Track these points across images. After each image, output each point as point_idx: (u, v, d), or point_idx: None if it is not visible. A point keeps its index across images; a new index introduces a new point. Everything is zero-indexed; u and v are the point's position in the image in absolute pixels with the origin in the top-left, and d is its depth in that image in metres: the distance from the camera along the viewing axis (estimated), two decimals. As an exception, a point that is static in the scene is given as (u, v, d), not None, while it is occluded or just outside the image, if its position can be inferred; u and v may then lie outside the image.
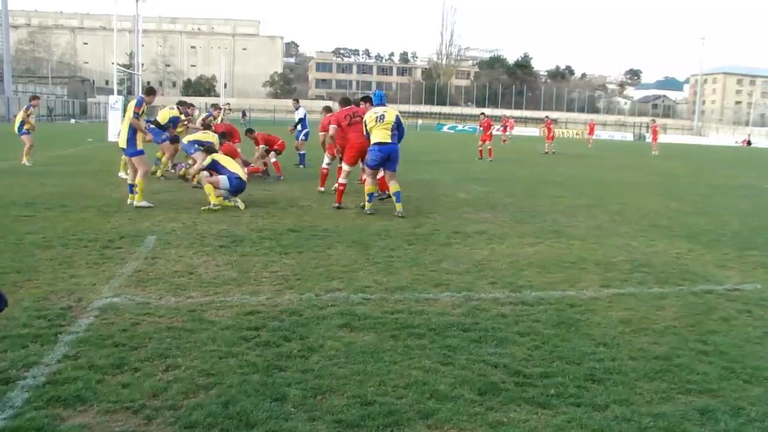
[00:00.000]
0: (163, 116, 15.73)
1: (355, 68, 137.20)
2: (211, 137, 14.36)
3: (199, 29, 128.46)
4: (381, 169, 11.63)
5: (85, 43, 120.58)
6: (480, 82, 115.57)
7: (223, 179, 11.37)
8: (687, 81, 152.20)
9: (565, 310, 5.92)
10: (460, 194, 14.73)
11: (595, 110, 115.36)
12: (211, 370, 4.24)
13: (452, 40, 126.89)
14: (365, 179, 11.64)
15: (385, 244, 8.63)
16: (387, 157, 11.14)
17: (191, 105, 18.51)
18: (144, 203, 11.17)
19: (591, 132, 49.42)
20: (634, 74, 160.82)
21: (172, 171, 15.98)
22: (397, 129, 11.22)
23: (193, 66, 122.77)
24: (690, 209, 13.80)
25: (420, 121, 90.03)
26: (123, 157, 14.07)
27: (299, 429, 3.51)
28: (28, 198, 11.52)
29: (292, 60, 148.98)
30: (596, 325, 5.54)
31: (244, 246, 8.23)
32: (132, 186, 11.36)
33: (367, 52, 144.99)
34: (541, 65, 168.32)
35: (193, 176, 13.13)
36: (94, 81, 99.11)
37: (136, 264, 7.11)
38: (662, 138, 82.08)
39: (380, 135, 11.06)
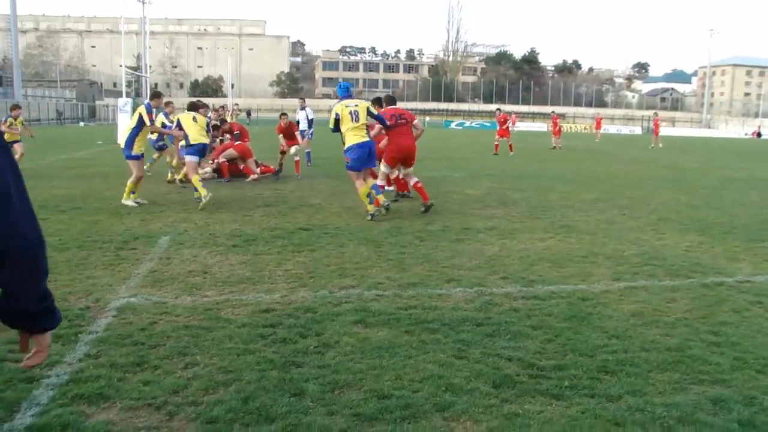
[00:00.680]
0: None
1: (361, 66, 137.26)
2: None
3: (205, 30, 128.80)
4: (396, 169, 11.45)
5: (93, 46, 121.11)
6: (487, 78, 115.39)
7: (191, 160, 11.95)
8: (695, 73, 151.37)
9: (577, 304, 5.97)
10: (470, 191, 14.77)
11: (603, 104, 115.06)
12: (229, 367, 4.31)
13: (458, 36, 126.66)
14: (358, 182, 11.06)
15: (396, 241, 8.69)
16: (368, 154, 10.66)
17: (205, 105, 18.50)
18: (129, 202, 11.49)
19: (598, 126, 49.25)
20: (641, 67, 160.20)
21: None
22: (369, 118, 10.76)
23: (200, 67, 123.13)
24: (699, 202, 13.80)
25: (428, 119, 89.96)
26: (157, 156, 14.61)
27: (318, 423, 3.58)
28: (41, 201, 11.63)
29: (298, 59, 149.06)
30: (608, 318, 5.58)
31: (256, 245, 8.32)
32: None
33: (373, 50, 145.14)
34: (547, 60, 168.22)
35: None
36: (102, 84, 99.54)
37: (150, 264, 7.20)
38: (672, 131, 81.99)
39: (358, 136, 10.55)
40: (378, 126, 11.49)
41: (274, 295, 6.06)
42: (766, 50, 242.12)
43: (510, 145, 28.89)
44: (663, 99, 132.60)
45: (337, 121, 10.70)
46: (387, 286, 6.43)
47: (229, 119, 21.07)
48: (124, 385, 4.02)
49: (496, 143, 29.43)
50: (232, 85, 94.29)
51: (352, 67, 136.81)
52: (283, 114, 17.93)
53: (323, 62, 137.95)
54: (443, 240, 8.90)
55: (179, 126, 12.28)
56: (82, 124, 68.83)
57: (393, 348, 4.71)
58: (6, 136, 17.32)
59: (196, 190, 11.73)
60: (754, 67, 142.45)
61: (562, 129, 37.62)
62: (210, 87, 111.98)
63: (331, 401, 3.86)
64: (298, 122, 19.64)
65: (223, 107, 21.73)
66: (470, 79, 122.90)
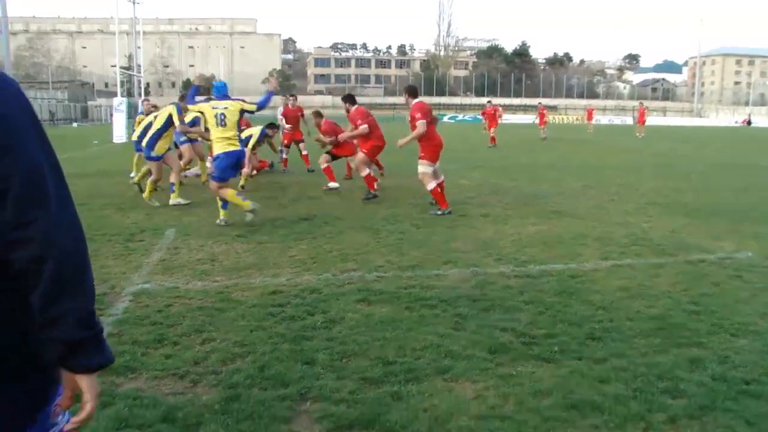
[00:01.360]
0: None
1: (353, 62, 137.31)
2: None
3: (196, 29, 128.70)
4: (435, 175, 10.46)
5: (84, 47, 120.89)
6: (479, 72, 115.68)
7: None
8: (686, 64, 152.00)
9: (567, 281, 6.33)
10: (463, 181, 15.10)
11: (595, 96, 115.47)
12: (244, 341, 4.65)
13: (450, 30, 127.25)
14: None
15: (393, 228, 9.03)
16: (234, 165, 9.59)
17: None
18: (155, 203, 11.18)
19: (589, 117, 49.64)
20: (632, 59, 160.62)
21: (186, 176, 15.19)
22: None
23: (192, 66, 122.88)
24: (687, 187, 14.17)
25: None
26: (134, 157, 14.40)
27: (329, 386, 3.92)
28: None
29: (290, 56, 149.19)
30: (596, 292, 5.94)
31: (260, 235, 8.64)
32: (172, 185, 11.47)
33: (364, 46, 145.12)
34: (539, 53, 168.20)
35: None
36: (94, 84, 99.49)
37: (159, 254, 7.52)
38: (663, 120, 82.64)
39: (225, 143, 9.36)
40: (364, 126, 11.65)
41: (281, 279, 6.40)
42: (756, 39, 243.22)
43: (492, 138, 29.23)
44: (654, 89, 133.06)
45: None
46: (387, 269, 6.78)
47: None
48: (147, 359, 4.35)
49: (491, 135, 29.57)
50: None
51: (343, 63, 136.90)
52: (318, 114, 15.07)
53: (315, 59, 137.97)
54: (439, 226, 9.25)
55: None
56: (75, 124, 68.86)
57: (395, 322, 5.06)
58: None
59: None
60: (744, 56, 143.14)
61: (547, 120, 37.82)
62: (202, 86, 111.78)
63: (340, 368, 4.20)
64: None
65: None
66: (462, 73, 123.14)
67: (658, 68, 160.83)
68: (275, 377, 4.05)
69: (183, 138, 15.07)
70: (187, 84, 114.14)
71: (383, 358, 4.34)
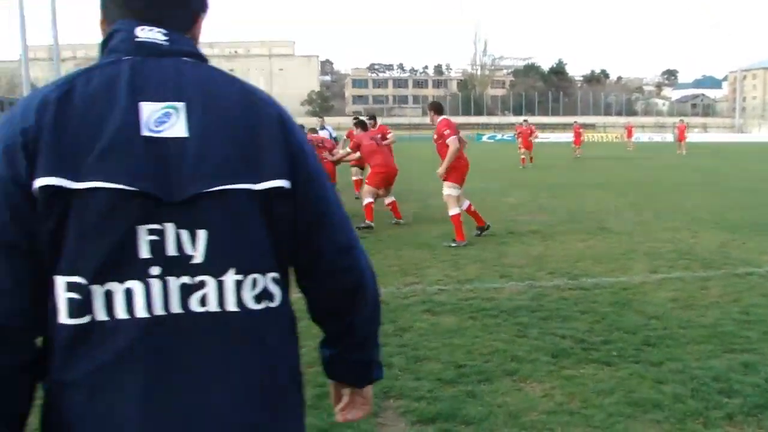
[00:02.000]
0: None
1: (390, 83, 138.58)
2: None
3: (235, 52, 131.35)
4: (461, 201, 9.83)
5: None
6: (516, 91, 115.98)
7: None
8: (725, 78, 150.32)
9: (619, 293, 6.66)
10: (508, 199, 15.45)
11: (633, 113, 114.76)
12: (324, 347, 5.07)
13: (486, 50, 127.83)
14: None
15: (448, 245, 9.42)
16: None
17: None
18: None
19: (629, 135, 49.53)
20: (670, 74, 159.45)
21: None
22: None
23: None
24: (731, 204, 14.31)
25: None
26: None
27: (408, 386, 4.32)
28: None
29: (328, 78, 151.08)
30: (647, 303, 6.26)
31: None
32: None
33: (401, 67, 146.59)
34: (575, 71, 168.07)
35: None
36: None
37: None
38: (704, 137, 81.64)
39: None
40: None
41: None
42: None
43: (531, 158, 29.00)
44: (694, 105, 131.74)
45: None
46: (446, 282, 7.18)
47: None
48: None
49: (522, 157, 28.93)
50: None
51: (381, 84, 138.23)
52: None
53: (353, 80, 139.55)
54: (490, 243, 9.61)
55: None
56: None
57: (461, 330, 5.45)
58: None
59: None
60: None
61: (583, 139, 37.78)
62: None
63: (416, 370, 4.60)
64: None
65: None
66: (499, 92, 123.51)
67: (697, 84, 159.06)
68: (358, 378, 4.46)
69: None
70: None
71: (454, 361, 4.73)
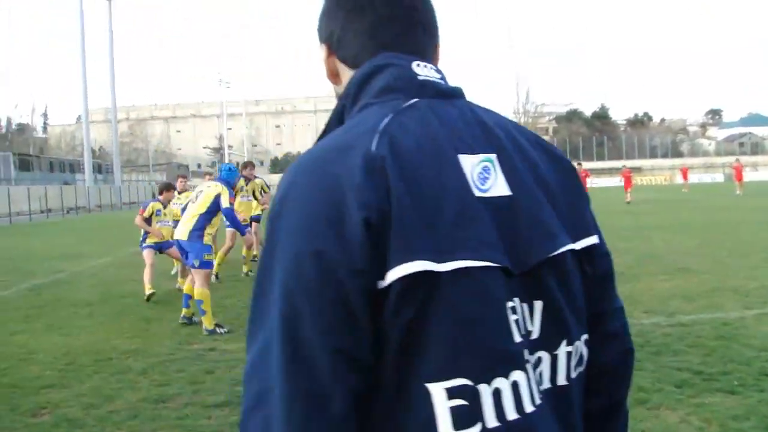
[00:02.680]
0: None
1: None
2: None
3: (282, 109, 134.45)
4: None
5: (178, 131, 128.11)
6: (560, 137, 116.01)
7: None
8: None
9: (720, 328, 6.89)
10: (577, 243, 15.64)
11: (679, 154, 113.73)
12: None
13: (528, 97, 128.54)
14: None
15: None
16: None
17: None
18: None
19: (685, 177, 49.62)
20: (714, 113, 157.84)
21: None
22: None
23: (279, 144, 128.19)
24: (805, 241, 14.35)
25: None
26: None
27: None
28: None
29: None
30: (752, 337, 6.48)
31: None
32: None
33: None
34: (618, 114, 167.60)
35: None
36: (188, 165, 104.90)
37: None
38: (755, 176, 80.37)
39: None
40: None
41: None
42: None
43: None
44: (741, 144, 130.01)
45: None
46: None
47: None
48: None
49: None
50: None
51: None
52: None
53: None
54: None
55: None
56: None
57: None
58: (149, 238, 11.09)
59: None
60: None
61: (632, 182, 37.92)
62: (289, 163, 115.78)
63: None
64: None
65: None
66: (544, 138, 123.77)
67: (744, 122, 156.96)
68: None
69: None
70: (275, 162, 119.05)
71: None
